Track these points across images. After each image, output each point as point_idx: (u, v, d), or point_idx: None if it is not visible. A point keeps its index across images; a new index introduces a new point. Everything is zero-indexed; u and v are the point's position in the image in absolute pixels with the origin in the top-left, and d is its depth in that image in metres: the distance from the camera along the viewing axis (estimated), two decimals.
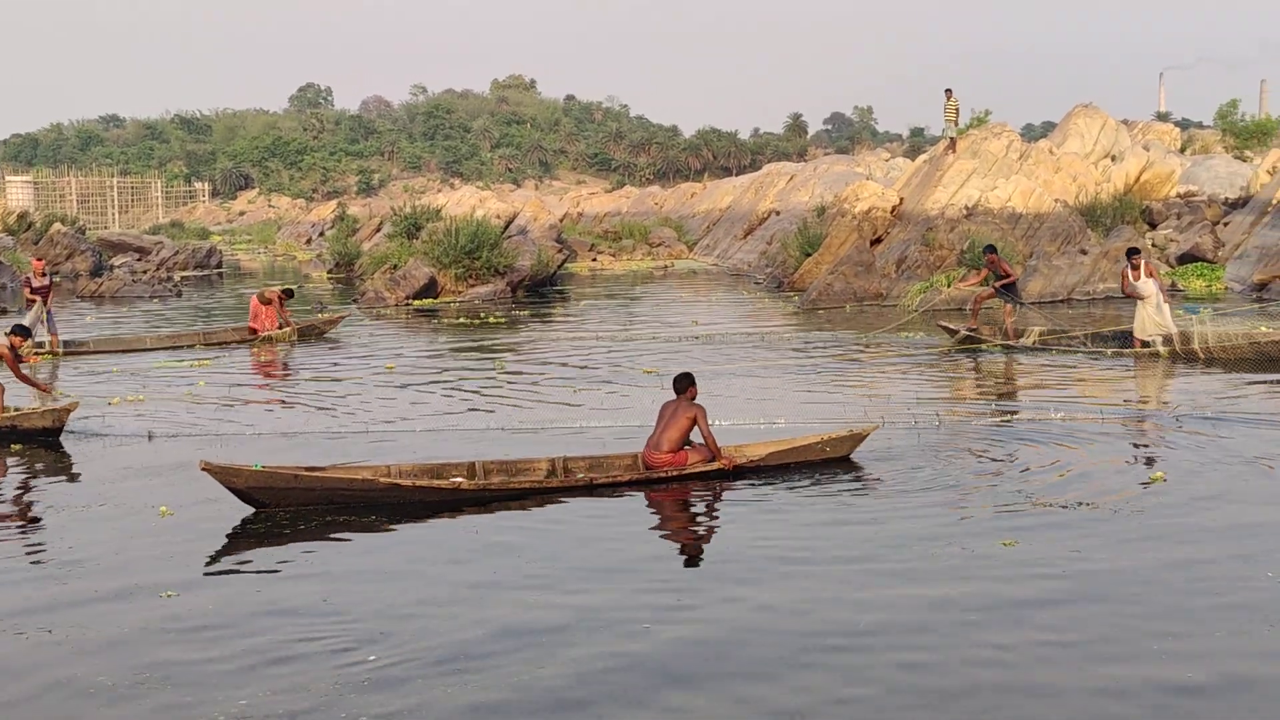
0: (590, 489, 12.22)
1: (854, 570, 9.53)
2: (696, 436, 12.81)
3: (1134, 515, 10.91)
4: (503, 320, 31.09)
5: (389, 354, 24.02)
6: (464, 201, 66.59)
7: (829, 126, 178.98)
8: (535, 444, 14.52)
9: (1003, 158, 38.47)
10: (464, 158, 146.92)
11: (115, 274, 48.81)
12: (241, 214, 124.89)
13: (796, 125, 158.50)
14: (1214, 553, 9.82)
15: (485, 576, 9.55)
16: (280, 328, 26.60)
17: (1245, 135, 63.17)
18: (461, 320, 31.09)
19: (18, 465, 14.30)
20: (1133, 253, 22.41)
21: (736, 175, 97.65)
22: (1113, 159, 47.65)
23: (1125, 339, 21.97)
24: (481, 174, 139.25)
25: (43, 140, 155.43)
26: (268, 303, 26.82)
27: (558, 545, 10.42)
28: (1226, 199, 44.97)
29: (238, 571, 9.98)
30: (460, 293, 37.38)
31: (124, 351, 25.18)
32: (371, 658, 7.79)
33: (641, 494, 12.18)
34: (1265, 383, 18.12)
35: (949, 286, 31.35)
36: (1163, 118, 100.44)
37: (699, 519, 11.73)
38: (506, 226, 45.38)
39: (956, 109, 39.02)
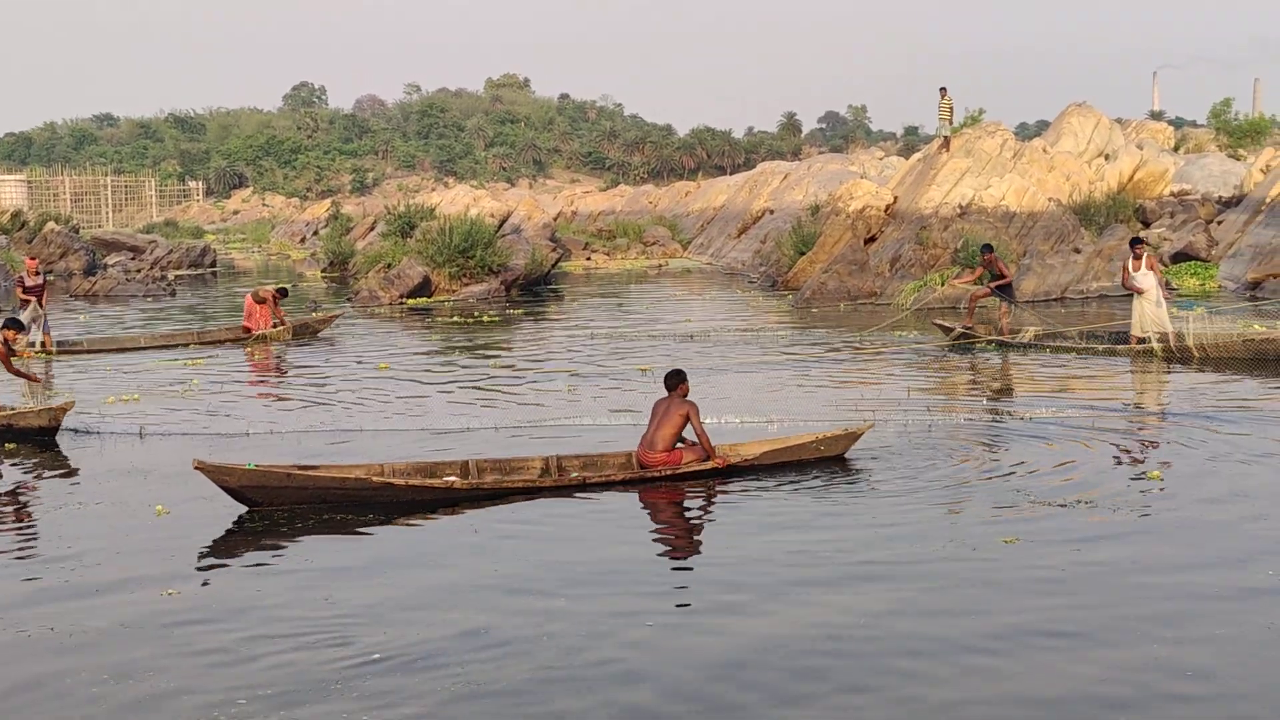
0: (584, 488, 12.22)
1: (856, 569, 9.54)
2: (690, 434, 12.81)
3: (1133, 512, 10.94)
4: (497, 319, 31.08)
5: (383, 353, 24.01)
6: (458, 200, 66.57)
7: (823, 125, 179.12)
8: (529, 442, 14.53)
9: (997, 156, 38.49)
10: (458, 156, 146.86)
11: (109, 273, 48.76)
12: (235, 213, 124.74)
13: (791, 124, 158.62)
14: (1214, 550, 9.85)
15: (487, 575, 9.56)
16: (274, 327, 26.58)
17: (1239, 134, 63.18)
18: (456, 319, 31.08)
19: (13, 464, 14.28)
20: (1136, 243, 22.32)
21: (731, 174, 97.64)
22: (1106, 158, 47.68)
23: (1120, 339, 21.96)
24: (475, 173, 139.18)
25: (36, 139, 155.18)
26: (262, 302, 26.80)
27: (554, 545, 10.41)
28: (1220, 198, 45.00)
29: (237, 570, 10.00)
30: (454, 292, 37.36)
31: (118, 351, 25.15)
32: (375, 656, 7.79)
33: (635, 493, 12.18)
34: (1260, 380, 18.14)
35: (943, 285, 31.38)
36: (1156, 116, 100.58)
37: (696, 520, 11.72)
38: (500, 225, 45.36)
39: (951, 107, 39.02)
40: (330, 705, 7.10)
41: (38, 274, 26.19)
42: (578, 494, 12.06)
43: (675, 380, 12.97)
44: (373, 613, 8.66)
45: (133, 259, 56.43)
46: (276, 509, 11.49)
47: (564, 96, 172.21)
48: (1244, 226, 37.09)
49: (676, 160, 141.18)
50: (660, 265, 55.06)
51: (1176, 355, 20.43)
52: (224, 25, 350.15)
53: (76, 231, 59.73)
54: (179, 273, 54.49)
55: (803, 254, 38.24)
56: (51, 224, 56.76)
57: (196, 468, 11.43)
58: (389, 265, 38.62)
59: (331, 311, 30.82)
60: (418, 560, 10.07)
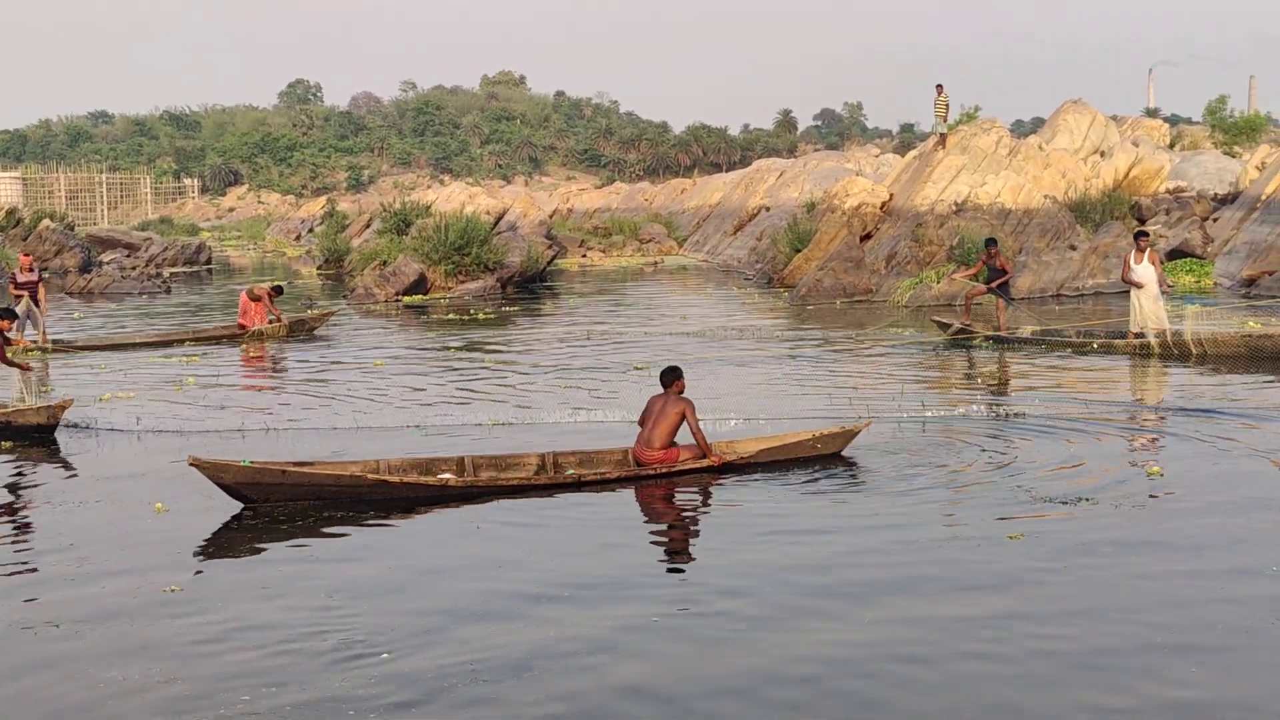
0: (580, 485, 12.21)
1: (857, 568, 9.54)
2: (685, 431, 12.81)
3: (1134, 510, 10.94)
4: (492, 316, 31.07)
5: (378, 350, 23.99)
6: (454, 198, 66.52)
7: (819, 122, 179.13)
8: (525, 438, 14.52)
9: (992, 153, 38.49)
10: (454, 154, 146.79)
11: (104, 270, 48.69)
12: (231, 210, 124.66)
13: (786, 121, 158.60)
14: (1217, 546, 9.87)
15: (488, 572, 9.57)
16: (269, 324, 26.55)
17: (1234, 131, 63.23)
18: (451, 316, 31.07)
19: (12, 462, 14.27)
20: (1140, 235, 22.29)
21: (726, 171, 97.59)
22: (1102, 155, 47.69)
23: (1117, 335, 21.94)
24: (471, 170, 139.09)
25: (31, 136, 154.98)
26: (257, 299, 26.76)
27: (550, 543, 10.42)
28: (1215, 194, 45.02)
29: (238, 566, 10.02)
30: (450, 289, 37.34)
31: (113, 348, 25.12)
32: (383, 655, 7.79)
33: (632, 491, 12.16)
34: (1258, 376, 18.15)
35: (939, 283, 31.37)
36: (1152, 113, 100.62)
37: (693, 518, 11.71)
38: (496, 223, 45.35)
39: (946, 105, 39.03)
40: (345, 705, 7.09)
41: (30, 270, 26.13)
42: (574, 491, 12.05)
43: (671, 377, 12.96)
44: (374, 609, 8.66)
45: (128, 256, 56.34)
46: (272, 506, 11.48)
47: (560, 94, 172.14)
48: (1239, 223, 37.09)
49: (672, 157, 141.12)
50: (656, 262, 55.04)
51: (1174, 352, 20.43)
52: (219, 23, 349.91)
53: (72, 229, 59.62)
54: (174, 270, 54.41)
55: (798, 251, 38.23)
56: (47, 221, 56.68)
57: (192, 464, 11.43)
58: (384, 262, 38.60)
59: (327, 309, 30.79)
60: (418, 557, 10.06)
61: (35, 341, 24.59)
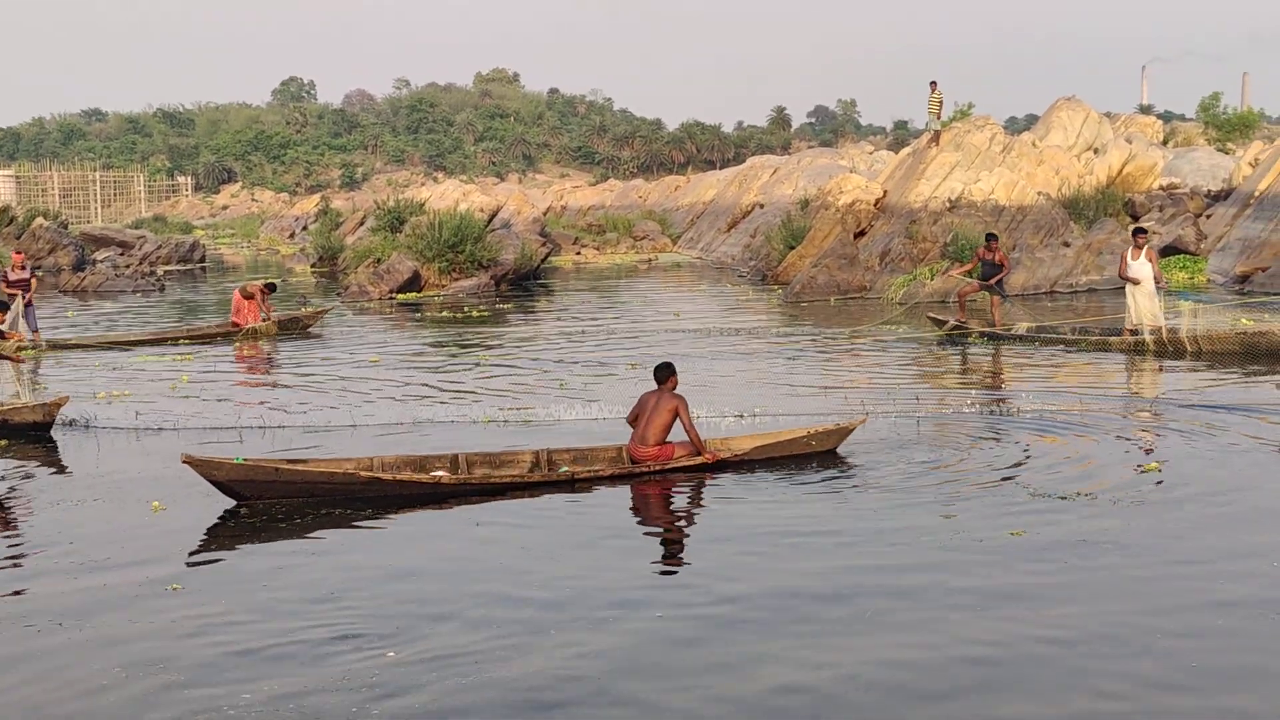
0: (574, 483, 12.21)
1: (857, 566, 9.54)
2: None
3: (1134, 505, 10.96)
4: (486, 314, 31.06)
5: (372, 348, 23.98)
6: (447, 195, 66.49)
7: (813, 119, 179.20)
8: (519, 436, 14.53)
9: (986, 150, 38.51)
10: (447, 151, 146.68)
11: (98, 268, 48.65)
12: (224, 208, 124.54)
13: (780, 118, 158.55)
14: (1219, 541, 9.90)
15: (489, 569, 9.59)
16: (262, 321, 26.52)
17: (1227, 128, 63.31)
18: (445, 314, 31.06)
19: (8, 459, 14.25)
20: (1139, 232, 22.32)
21: (720, 168, 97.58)
22: (1095, 151, 47.72)
23: (1114, 333, 21.96)
24: (465, 168, 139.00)
25: (24, 134, 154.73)
26: (250, 297, 26.75)
27: (543, 542, 10.41)
28: (1209, 191, 45.06)
29: (238, 564, 10.01)
30: (444, 286, 37.32)
31: (107, 346, 25.10)
32: (390, 654, 7.79)
33: (626, 488, 12.16)
34: (1253, 373, 18.18)
35: (932, 279, 31.39)
36: (1145, 110, 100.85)
37: (688, 517, 11.71)
38: (490, 220, 45.29)
39: (940, 102, 39.04)
40: (350, 703, 7.11)
41: (23, 268, 26.07)
42: (569, 489, 12.05)
43: (665, 373, 12.94)
44: (375, 607, 8.67)
45: (121, 254, 56.27)
46: (269, 503, 11.48)
47: (553, 91, 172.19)
48: (1233, 220, 37.13)
49: (666, 154, 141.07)
50: (650, 260, 55.05)
51: (1169, 348, 20.45)
52: (213, 21, 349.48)
53: (65, 227, 59.55)
54: (168, 268, 54.36)
55: (792, 248, 38.25)
56: (40, 219, 56.60)
57: (185, 461, 11.43)
58: (378, 260, 38.58)
59: (321, 307, 30.76)
60: (417, 555, 10.07)
61: (31, 340, 24.55)
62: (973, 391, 17.62)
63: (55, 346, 24.86)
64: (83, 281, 43.03)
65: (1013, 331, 22.95)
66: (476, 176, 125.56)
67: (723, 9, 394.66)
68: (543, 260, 44.70)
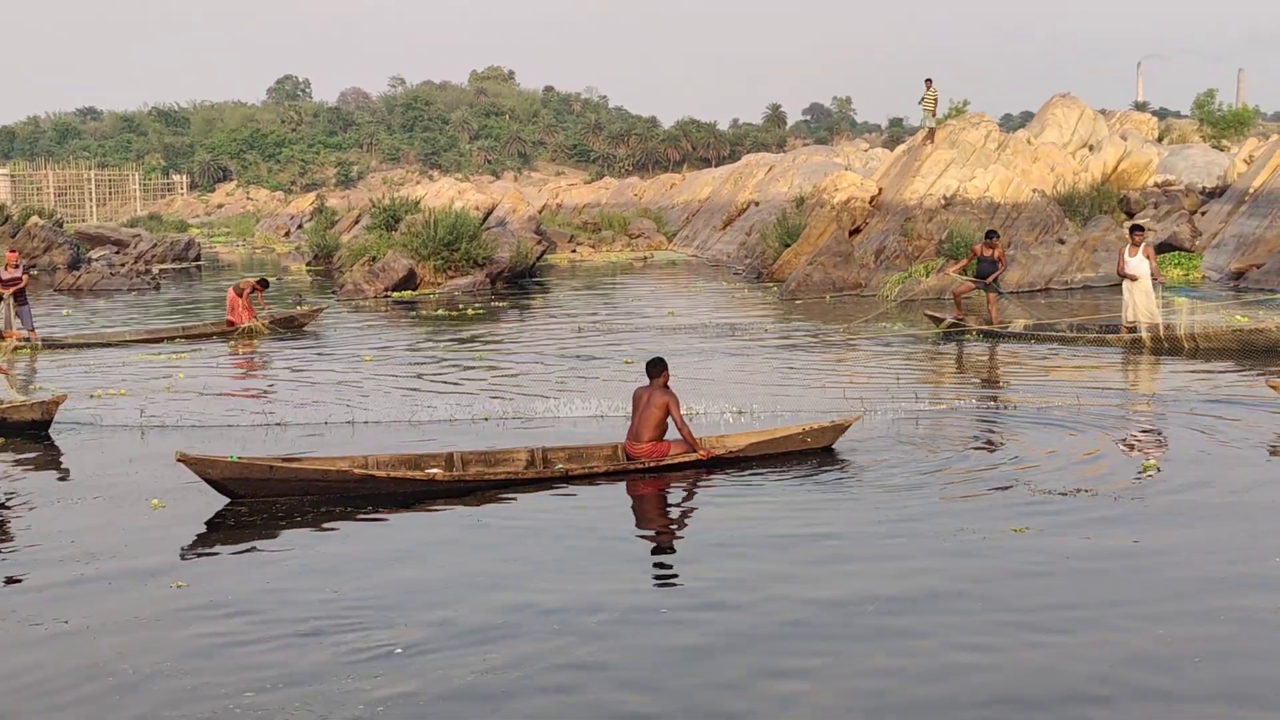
0: (569, 480, 12.22)
1: (855, 563, 9.54)
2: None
3: (1134, 502, 10.99)
4: (482, 312, 31.06)
5: (367, 346, 23.97)
6: (443, 193, 66.46)
7: (808, 117, 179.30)
8: (517, 433, 14.54)
9: (981, 148, 38.51)
10: (443, 149, 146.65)
11: (93, 267, 48.58)
12: (220, 206, 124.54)
13: (775, 116, 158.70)
14: (1221, 538, 9.93)
15: (497, 567, 9.61)
16: (256, 318, 26.51)
17: (1222, 125, 63.42)
18: (440, 312, 31.06)
19: (8, 458, 14.26)
20: (1135, 230, 22.35)
21: (716, 166, 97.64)
22: (1090, 149, 47.72)
23: (1111, 330, 21.98)
24: (460, 165, 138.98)
25: (19, 133, 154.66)
26: (242, 293, 26.78)
27: (538, 541, 10.42)
28: (1204, 188, 45.12)
29: (240, 561, 10.02)
30: (439, 284, 37.32)
31: (103, 345, 25.08)
32: (398, 651, 7.80)
33: (621, 485, 12.16)
34: (1250, 370, 18.19)
35: (927, 277, 31.41)
36: (1140, 107, 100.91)
37: (683, 513, 11.72)
38: (485, 218, 45.28)
39: (935, 99, 39.03)
40: (356, 702, 7.13)
41: (17, 266, 26.02)
42: (564, 486, 12.06)
43: (657, 368, 12.89)
44: (379, 603, 8.73)
45: (117, 253, 56.22)
46: (269, 502, 11.49)
47: (549, 89, 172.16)
48: (1228, 217, 37.18)
49: (662, 152, 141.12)
50: (646, 257, 55.07)
51: (1166, 345, 20.48)
52: (208, 19, 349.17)
53: (60, 226, 59.50)
54: (163, 267, 54.32)
55: (788, 246, 38.25)
56: (35, 218, 56.55)
57: (179, 459, 11.44)
58: (374, 258, 38.55)
59: (316, 305, 30.74)
60: (420, 552, 10.11)
61: (27, 339, 24.53)
62: (970, 389, 17.64)
63: (51, 345, 24.83)
64: (78, 280, 42.99)
65: (1010, 329, 22.95)
66: (472, 174, 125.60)
67: (718, 7, 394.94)
68: (538, 258, 44.69)
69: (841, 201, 38.39)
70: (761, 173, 63.17)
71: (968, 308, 25.01)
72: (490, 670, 7.46)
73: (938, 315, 24.05)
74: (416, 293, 36.39)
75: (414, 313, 31.46)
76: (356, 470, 11.81)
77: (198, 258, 59.03)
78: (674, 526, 11.26)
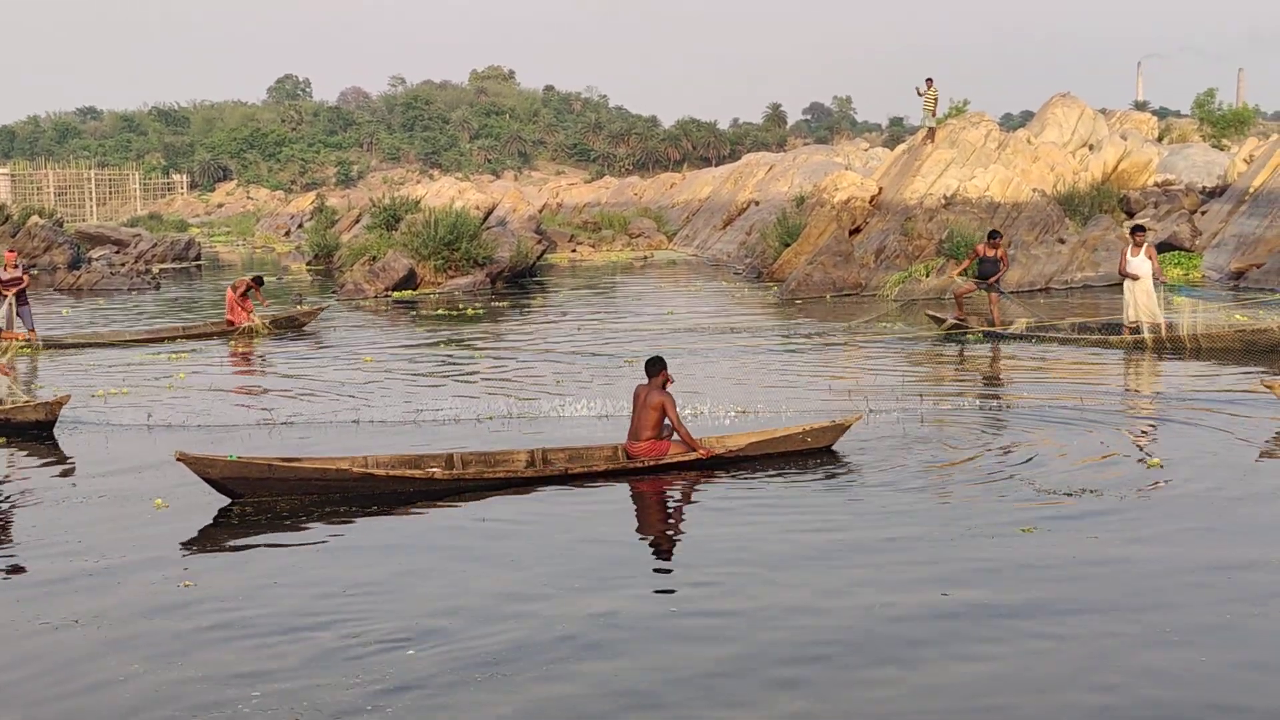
0: (567, 478, 12.22)
1: (864, 565, 9.55)
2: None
3: (1140, 501, 11.02)
4: (482, 311, 31.06)
5: (368, 346, 23.98)
6: (443, 193, 66.44)
7: (808, 116, 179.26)
8: (519, 434, 14.56)
9: (981, 147, 38.52)
10: (443, 149, 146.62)
11: (93, 267, 48.56)
12: (220, 206, 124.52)
13: (776, 115, 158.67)
14: (1227, 537, 9.97)
15: (500, 568, 9.63)
16: (249, 316, 26.52)
17: (1222, 124, 63.41)
18: (441, 312, 31.06)
19: (12, 458, 14.32)
20: (1136, 230, 22.37)
21: (716, 165, 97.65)
22: (1090, 148, 47.77)
23: (1113, 330, 22.00)
24: (460, 165, 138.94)
25: (19, 133, 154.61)
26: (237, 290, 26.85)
27: (538, 540, 10.44)
28: (1204, 188, 45.12)
29: (247, 560, 10.06)
30: (439, 284, 37.32)
31: (104, 345, 25.09)
32: (410, 652, 7.82)
33: (620, 484, 12.17)
34: (1252, 369, 18.20)
35: (928, 276, 31.42)
36: (1140, 107, 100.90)
37: (683, 513, 11.72)
38: (485, 217, 45.27)
39: (936, 98, 39.03)
40: (349, 695, 7.18)
41: (17, 266, 26.00)
42: (563, 486, 12.06)
43: (655, 368, 12.88)
44: (387, 602, 8.78)
45: (117, 253, 56.20)
46: (270, 501, 11.52)
47: (549, 88, 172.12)
48: (1228, 217, 37.19)
49: (662, 152, 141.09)
50: (646, 257, 55.07)
51: (1167, 345, 20.49)
52: (208, 19, 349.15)
53: (60, 225, 59.47)
54: (163, 266, 54.30)
55: (788, 245, 38.25)
56: (35, 217, 56.53)
57: (179, 459, 11.47)
58: (374, 258, 38.55)
59: (316, 305, 30.74)
60: (428, 551, 10.17)
61: (28, 339, 24.53)
62: (973, 389, 17.65)
63: (51, 345, 24.83)
64: (78, 280, 43.00)
65: (1012, 329, 22.94)
66: (472, 174, 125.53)
67: (718, 6, 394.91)
68: (538, 257, 44.68)
69: (842, 201, 38.38)
70: (762, 172, 63.17)
71: (969, 308, 24.99)
72: (493, 670, 7.48)
73: (939, 316, 24.04)
74: (417, 292, 36.39)
75: (414, 312, 31.46)
76: (356, 469, 11.82)
77: (198, 257, 59.01)
78: (674, 526, 11.26)
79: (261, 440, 14.60)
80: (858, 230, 37.07)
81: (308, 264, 52.71)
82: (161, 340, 25.73)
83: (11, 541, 10.77)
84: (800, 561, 9.54)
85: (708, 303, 32.56)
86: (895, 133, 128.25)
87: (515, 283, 40.03)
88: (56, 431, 15.53)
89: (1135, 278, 21.42)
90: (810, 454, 13.08)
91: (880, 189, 39.20)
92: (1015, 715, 6.84)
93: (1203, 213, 39.98)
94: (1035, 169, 39.18)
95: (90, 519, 11.31)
